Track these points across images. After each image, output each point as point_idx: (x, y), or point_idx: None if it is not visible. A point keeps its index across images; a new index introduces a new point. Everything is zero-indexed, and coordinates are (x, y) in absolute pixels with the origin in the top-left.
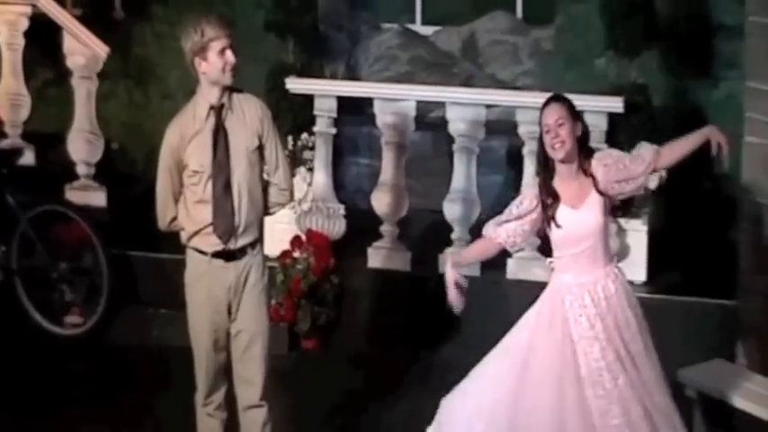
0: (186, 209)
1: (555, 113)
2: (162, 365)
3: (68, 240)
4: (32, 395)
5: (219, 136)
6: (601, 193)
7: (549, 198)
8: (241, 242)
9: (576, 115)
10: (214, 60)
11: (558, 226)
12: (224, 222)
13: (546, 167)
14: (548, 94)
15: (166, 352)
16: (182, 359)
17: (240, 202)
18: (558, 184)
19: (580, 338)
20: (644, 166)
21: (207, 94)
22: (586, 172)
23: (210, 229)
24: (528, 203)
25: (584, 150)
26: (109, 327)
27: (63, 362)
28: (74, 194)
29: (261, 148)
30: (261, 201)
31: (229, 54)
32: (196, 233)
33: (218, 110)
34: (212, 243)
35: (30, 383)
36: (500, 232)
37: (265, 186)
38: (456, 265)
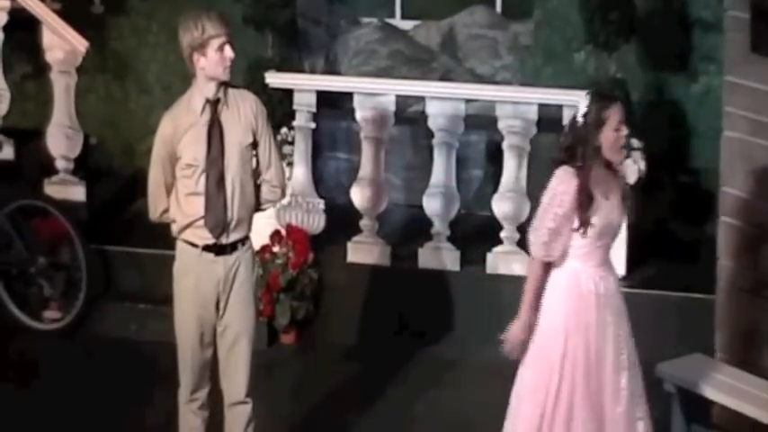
0: (178, 201)
1: (622, 114)
2: (140, 360)
3: (47, 235)
4: (8, 390)
5: (214, 130)
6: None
7: (585, 186)
8: (232, 237)
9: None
10: (213, 56)
11: (588, 213)
12: (215, 216)
13: (585, 156)
14: (526, 89)
15: (145, 346)
16: (160, 353)
17: (233, 196)
18: (594, 174)
19: (607, 325)
20: None
21: (203, 89)
22: (612, 169)
23: (202, 222)
24: (567, 198)
25: None
26: (87, 321)
27: (41, 356)
28: (53, 189)
29: (254, 144)
30: (252, 197)
31: (228, 50)
32: (187, 226)
33: (213, 104)
34: (203, 236)
35: (6, 378)
36: (556, 248)
37: (257, 183)
38: (524, 326)
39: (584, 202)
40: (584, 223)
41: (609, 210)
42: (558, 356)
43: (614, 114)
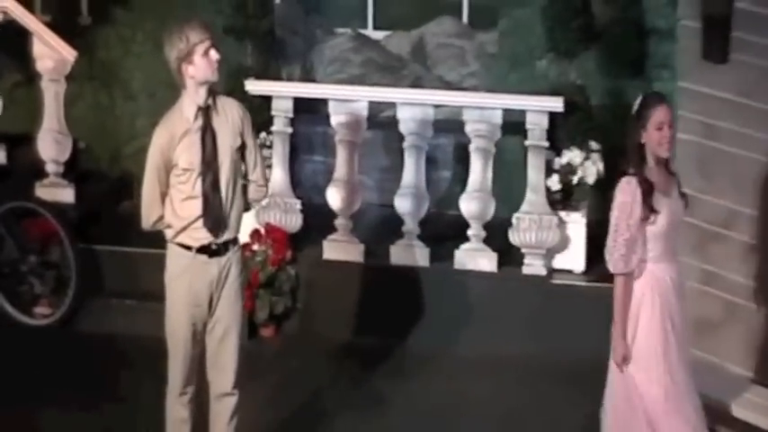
0: (173, 207)
1: (668, 114)
2: (127, 353)
3: (37, 235)
4: (1, 383)
5: (207, 135)
6: (681, 194)
7: (647, 188)
8: (225, 237)
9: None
10: (200, 61)
11: (656, 212)
12: (214, 216)
13: (635, 158)
14: (492, 95)
15: (131, 340)
16: (146, 347)
17: (227, 196)
18: (648, 174)
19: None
20: None
21: (194, 96)
22: (668, 168)
23: (199, 223)
24: (636, 206)
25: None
26: (76, 317)
27: (33, 350)
28: (43, 191)
29: (242, 147)
30: (242, 198)
31: (213, 53)
32: (183, 229)
33: (205, 110)
34: (199, 238)
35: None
36: (634, 259)
37: (244, 184)
38: (627, 344)
39: (649, 206)
40: (649, 210)
41: (671, 205)
42: (660, 350)
43: (655, 113)
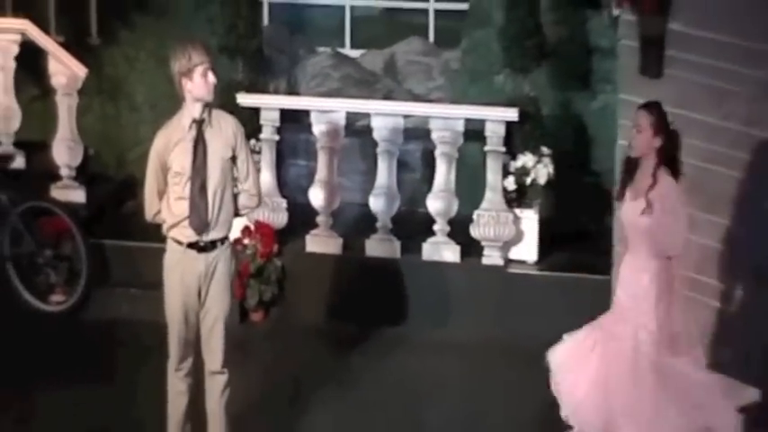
0: (168, 204)
1: (639, 119)
2: (132, 336)
3: (52, 231)
4: (21, 363)
5: (199, 145)
6: (647, 200)
7: (623, 182)
8: (212, 236)
9: (659, 129)
10: (198, 81)
11: (619, 208)
12: (198, 217)
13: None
14: (455, 106)
15: (135, 325)
16: (149, 331)
17: (213, 201)
18: (638, 174)
19: None
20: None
21: (191, 109)
22: (654, 177)
23: (187, 222)
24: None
25: (664, 160)
26: (87, 304)
27: (48, 333)
28: (57, 192)
29: (234, 158)
30: (231, 203)
31: (211, 76)
32: (175, 225)
33: (198, 123)
34: (188, 234)
35: (19, 353)
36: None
37: (236, 193)
38: None
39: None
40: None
41: (627, 207)
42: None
43: (636, 116)
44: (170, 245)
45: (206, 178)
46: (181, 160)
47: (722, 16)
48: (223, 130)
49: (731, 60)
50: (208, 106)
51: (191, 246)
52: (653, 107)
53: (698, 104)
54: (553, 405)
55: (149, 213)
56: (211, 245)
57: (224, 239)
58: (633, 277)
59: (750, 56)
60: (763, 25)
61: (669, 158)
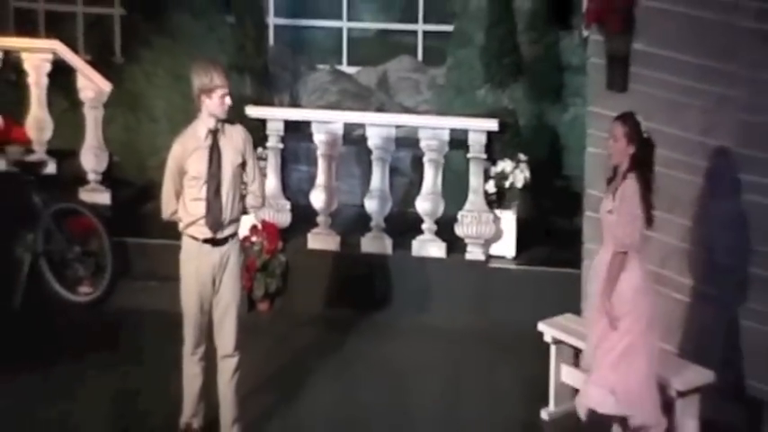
0: (184, 204)
1: (614, 129)
2: (151, 324)
3: (80, 230)
4: (52, 347)
5: (214, 153)
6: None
7: (607, 185)
8: (225, 233)
9: (633, 138)
10: (216, 101)
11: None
12: (214, 217)
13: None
14: (441, 117)
15: (154, 313)
16: (166, 319)
17: (226, 202)
18: (616, 178)
19: None
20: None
21: (206, 121)
22: (623, 180)
23: (203, 221)
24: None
25: (635, 165)
26: (111, 295)
27: (77, 321)
28: (85, 195)
29: (243, 164)
30: (240, 203)
31: (228, 99)
32: (191, 223)
33: (213, 133)
34: (203, 232)
35: (51, 338)
36: None
37: (244, 194)
38: None
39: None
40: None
41: (602, 204)
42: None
43: (611, 127)
44: (186, 241)
45: (220, 182)
46: (197, 166)
47: (681, 37)
48: (234, 139)
49: (688, 76)
50: (221, 119)
51: (206, 241)
52: (627, 118)
53: (659, 116)
54: (527, 385)
55: (167, 212)
56: (224, 240)
57: (234, 235)
58: (602, 267)
59: (705, 72)
60: (717, 45)
61: (640, 164)
